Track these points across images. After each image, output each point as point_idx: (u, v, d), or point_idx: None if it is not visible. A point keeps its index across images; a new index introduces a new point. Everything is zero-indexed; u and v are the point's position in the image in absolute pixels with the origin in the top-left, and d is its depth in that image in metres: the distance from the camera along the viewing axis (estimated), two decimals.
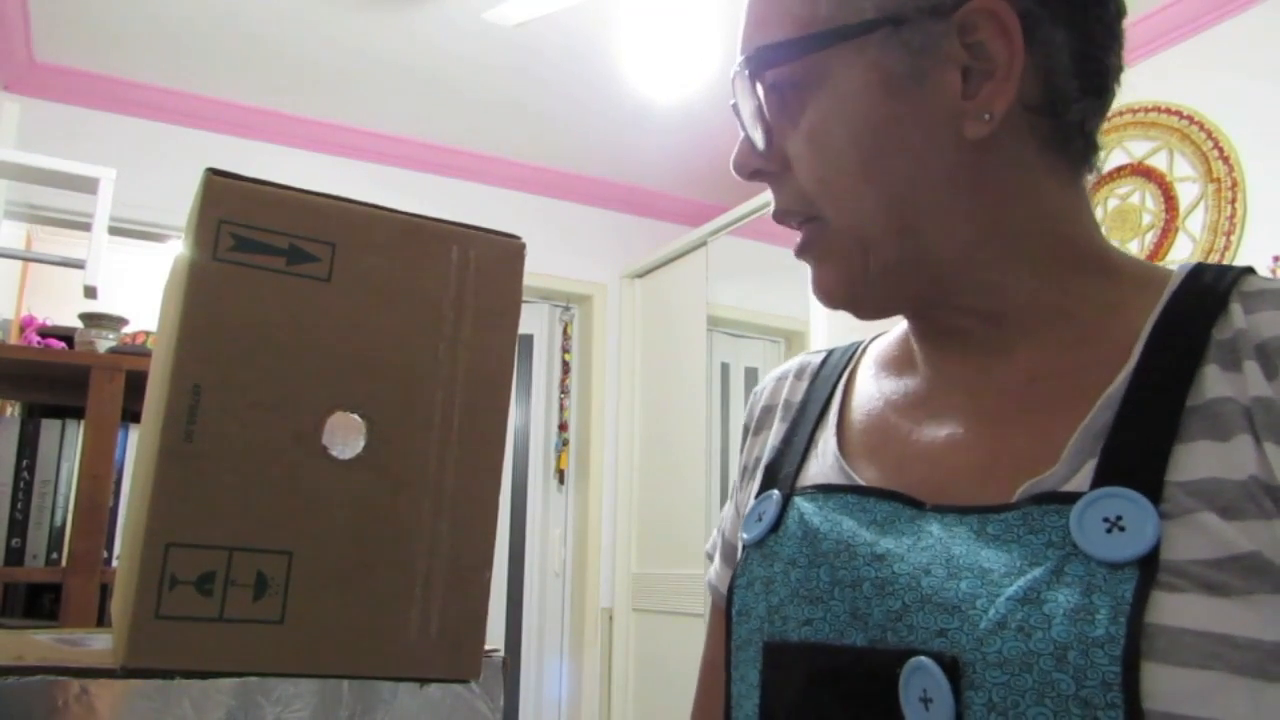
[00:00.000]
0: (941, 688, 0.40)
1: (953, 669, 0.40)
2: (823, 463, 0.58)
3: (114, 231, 2.54)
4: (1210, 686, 0.36)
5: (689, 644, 3.28)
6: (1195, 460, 0.42)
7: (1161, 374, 0.45)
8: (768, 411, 0.67)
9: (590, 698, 3.75)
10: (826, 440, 0.59)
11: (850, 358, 0.65)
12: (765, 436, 0.65)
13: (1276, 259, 2.46)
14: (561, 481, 3.98)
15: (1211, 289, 0.48)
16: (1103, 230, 0.55)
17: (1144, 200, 2.77)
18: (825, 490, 0.54)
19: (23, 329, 2.19)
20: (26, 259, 2.90)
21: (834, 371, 0.64)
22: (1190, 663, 0.37)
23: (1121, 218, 2.79)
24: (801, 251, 0.56)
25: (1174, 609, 0.38)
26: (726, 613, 0.56)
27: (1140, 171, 2.78)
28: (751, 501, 0.61)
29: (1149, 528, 0.40)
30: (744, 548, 0.57)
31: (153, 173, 3.12)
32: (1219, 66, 2.63)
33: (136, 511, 0.68)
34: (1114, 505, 0.41)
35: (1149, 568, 0.39)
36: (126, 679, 0.58)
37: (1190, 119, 2.67)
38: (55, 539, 1.64)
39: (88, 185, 2.25)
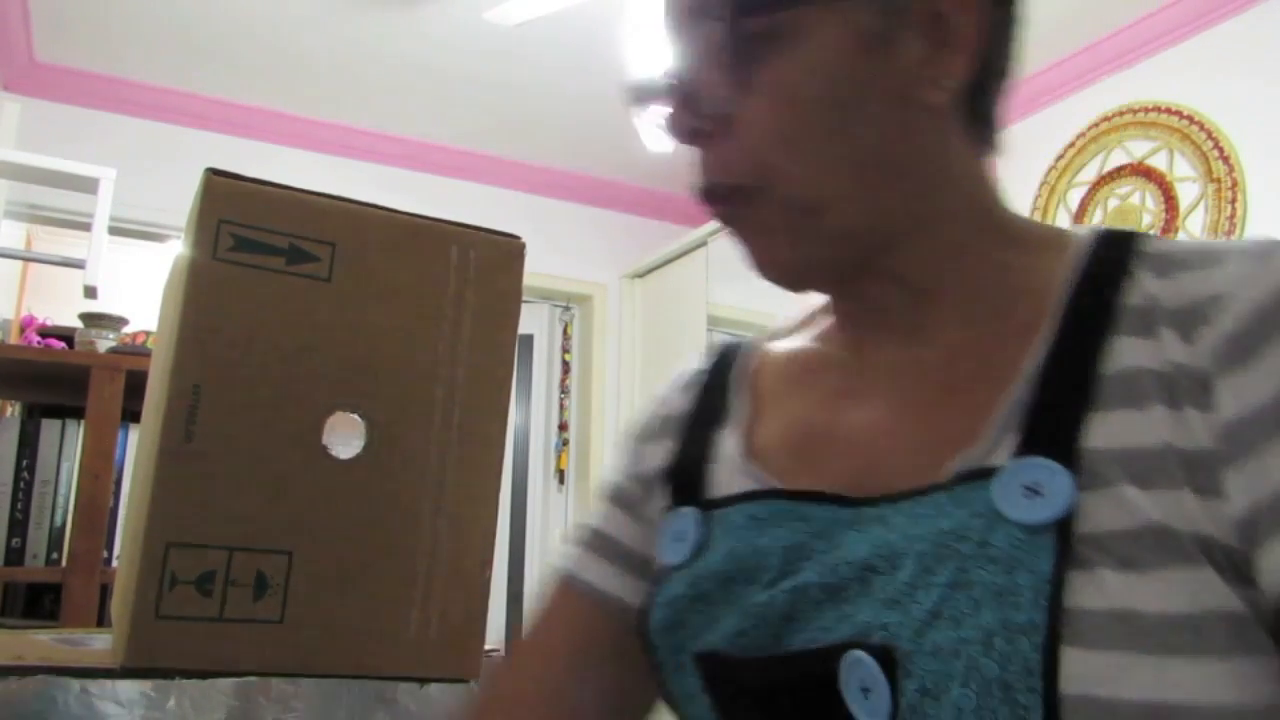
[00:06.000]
0: (878, 679, 0.42)
1: (887, 660, 0.42)
2: (727, 467, 0.56)
3: (114, 231, 2.54)
4: (1118, 666, 0.38)
5: None
6: (1113, 428, 0.43)
7: (1075, 344, 0.47)
8: (664, 421, 0.64)
9: None
10: (725, 445, 0.58)
11: (742, 360, 0.64)
12: (661, 446, 0.63)
13: None
14: (561, 481, 3.98)
15: (1115, 255, 0.49)
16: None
17: (1144, 200, 2.76)
18: (749, 499, 0.53)
19: (23, 329, 2.19)
20: (26, 259, 2.90)
21: (726, 376, 0.63)
22: (1101, 644, 0.39)
23: (1121, 218, 2.79)
24: (736, 222, 0.53)
25: (1089, 590, 0.40)
26: (644, 628, 0.54)
27: (1140, 171, 2.78)
28: (656, 516, 0.60)
29: (1063, 492, 0.42)
30: (665, 569, 0.55)
31: (153, 173, 3.12)
32: (1219, 66, 2.63)
33: (136, 511, 0.68)
34: (1032, 473, 0.43)
35: (1065, 537, 0.41)
36: (126, 679, 0.58)
37: (1190, 119, 2.67)
38: (55, 539, 1.64)
39: (88, 185, 2.25)
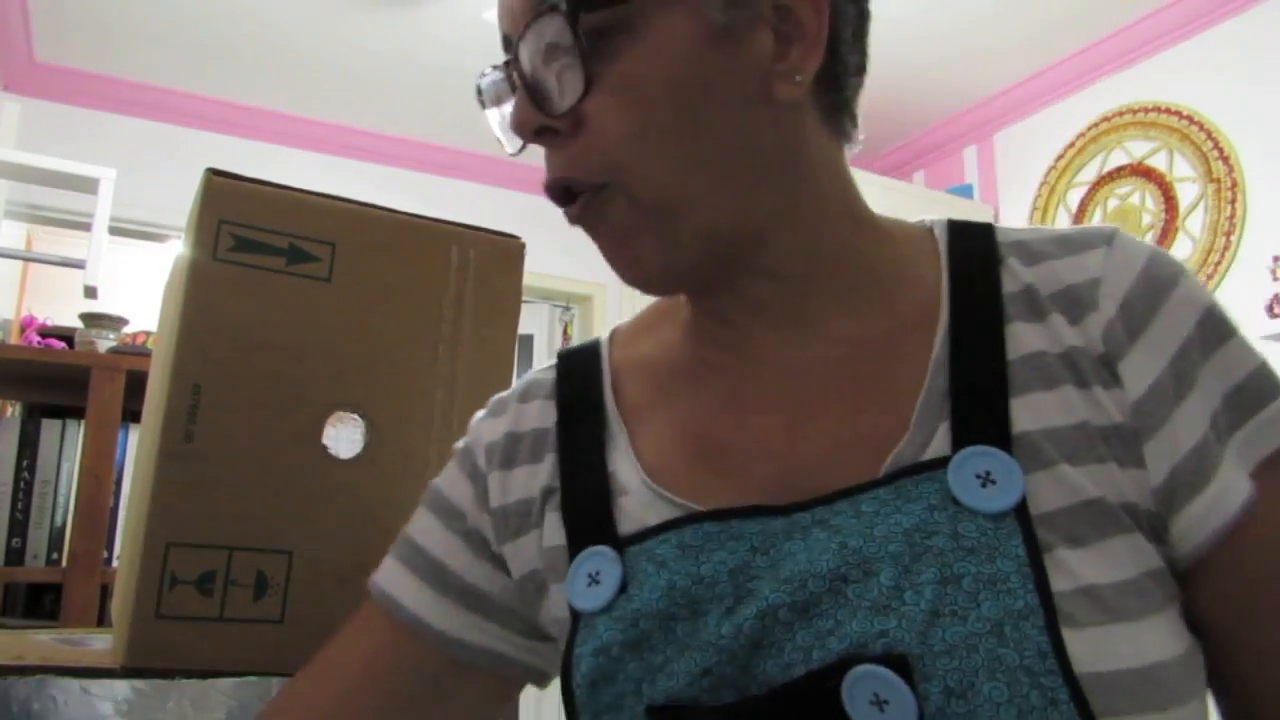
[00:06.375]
0: (897, 687, 0.40)
1: (903, 667, 0.40)
2: (634, 497, 0.52)
3: (114, 231, 2.54)
4: (1104, 640, 0.40)
5: None
6: (1033, 411, 0.45)
7: (975, 333, 0.48)
8: (515, 441, 0.58)
9: None
10: (620, 471, 0.53)
11: (600, 368, 0.59)
12: (527, 472, 0.57)
13: (1277, 259, 2.46)
14: None
15: (980, 245, 0.51)
16: None
17: (1144, 200, 2.77)
18: (672, 527, 0.49)
19: (23, 329, 2.19)
20: (26, 259, 2.90)
21: (586, 387, 0.58)
22: (1083, 622, 0.40)
23: (1121, 218, 2.79)
24: (589, 222, 0.51)
25: (1056, 572, 0.41)
26: (565, 680, 0.49)
27: (1140, 171, 2.78)
28: (518, 554, 0.55)
29: (1015, 477, 0.43)
30: (583, 615, 0.49)
31: (153, 173, 3.12)
32: (1219, 66, 2.63)
33: (136, 511, 0.68)
34: (981, 462, 0.44)
35: (1024, 520, 0.42)
36: (126, 679, 0.58)
37: (1190, 119, 2.67)
38: (55, 539, 1.64)
39: (88, 185, 2.25)
